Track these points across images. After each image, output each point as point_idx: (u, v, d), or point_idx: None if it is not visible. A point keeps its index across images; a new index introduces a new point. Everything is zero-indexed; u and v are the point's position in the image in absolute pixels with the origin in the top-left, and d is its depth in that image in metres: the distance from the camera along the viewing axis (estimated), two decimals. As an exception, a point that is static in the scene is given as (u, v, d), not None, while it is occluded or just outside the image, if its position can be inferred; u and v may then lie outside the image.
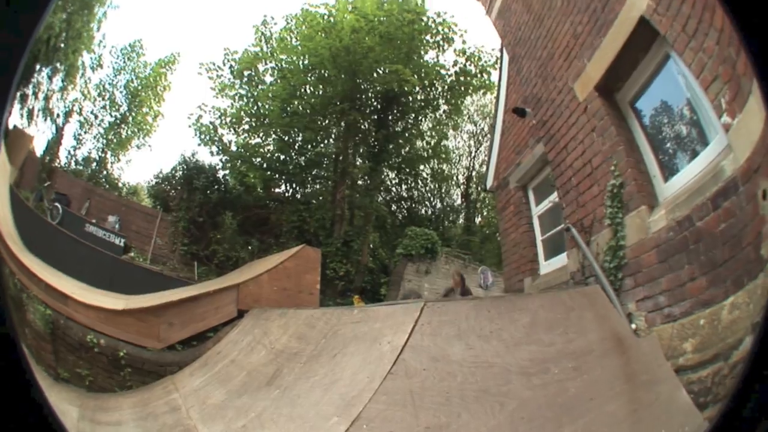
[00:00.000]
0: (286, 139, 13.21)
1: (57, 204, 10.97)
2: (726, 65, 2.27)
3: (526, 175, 5.93)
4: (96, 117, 15.04)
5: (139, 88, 15.52)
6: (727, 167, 2.22)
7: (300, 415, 2.75)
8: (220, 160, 13.53)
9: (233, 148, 13.60)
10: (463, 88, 13.05)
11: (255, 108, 13.39)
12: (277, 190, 13.48)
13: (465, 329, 2.83)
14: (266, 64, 13.40)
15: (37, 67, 12.71)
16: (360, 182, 12.93)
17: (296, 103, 12.67)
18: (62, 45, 12.92)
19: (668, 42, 2.87)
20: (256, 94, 13.31)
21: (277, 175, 13.36)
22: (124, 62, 15.47)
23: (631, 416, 2.13)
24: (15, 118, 12.35)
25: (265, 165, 13.35)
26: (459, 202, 14.28)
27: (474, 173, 14.66)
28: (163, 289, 8.73)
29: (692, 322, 2.36)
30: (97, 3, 14.17)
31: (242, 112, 13.51)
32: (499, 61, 7.55)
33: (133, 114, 15.47)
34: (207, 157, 15.12)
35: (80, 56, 14.04)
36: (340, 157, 12.79)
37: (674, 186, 2.94)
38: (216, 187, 12.61)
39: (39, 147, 14.45)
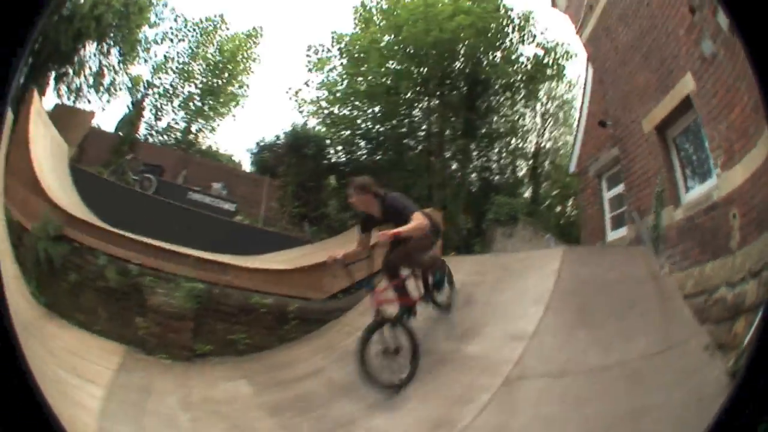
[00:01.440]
0: (386, 112, 14.64)
1: (148, 175, 11.10)
2: (727, 143, 4.41)
3: (602, 168, 8.11)
4: (175, 89, 14.91)
5: (223, 60, 15.46)
6: (714, 195, 4.50)
7: (508, 311, 4.81)
8: (326, 130, 14.85)
9: (336, 120, 14.84)
10: (539, 76, 14.55)
11: (359, 83, 14.68)
12: (377, 158, 14.76)
13: (586, 262, 5.32)
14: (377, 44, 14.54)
15: (86, 44, 12.43)
16: (448, 154, 14.78)
17: (401, 82, 14.17)
18: (123, 21, 12.79)
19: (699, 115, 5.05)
20: (357, 71, 14.53)
21: (376, 144, 14.85)
22: (201, 36, 15.18)
23: (661, 310, 4.32)
24: (51, 99, 11.96)
25: (365, 135, 14.81)
26: (525, 173, 16.02)
27: (541, 149, 16.23)
28: (283, 248, 9.54)
29: (691, 272, 4.59)
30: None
31: (349, 88, 14.83)
32: (585, 72, 9.43)
33: (218, 85, 15.46)
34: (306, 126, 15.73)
35: (141, 31, 13.77)
36: (434, 130, 14.50)
37: (690, 196, 5.23)
38: (325, 154, 13.95)
39: (108, 123, 14.54)
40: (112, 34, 12.94)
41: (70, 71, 12.62)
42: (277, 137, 14.58)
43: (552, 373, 3.70)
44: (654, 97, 6.01)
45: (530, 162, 15.38)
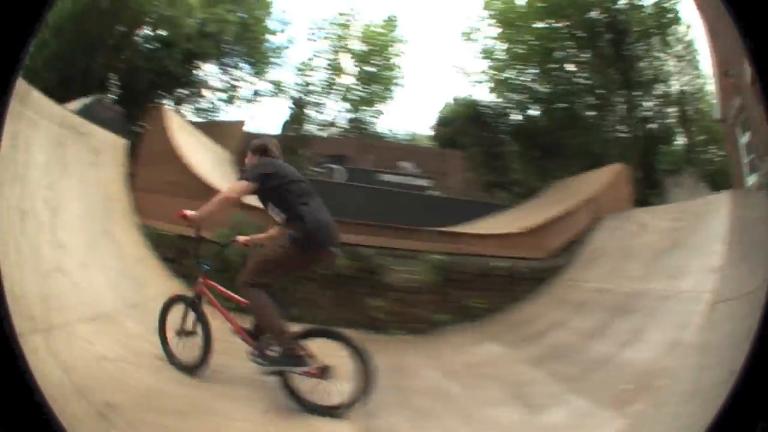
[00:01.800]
0: (547, 71, 14.92)
1: (333, 165, 11.54)
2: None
3: (734, 116, 8.50)
4: (331, 83, 15.07)
5: (372, 48, 15.52)
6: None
7: (703, 250, 5.34)
8: (498, 97, 15.22)
9: (505, 85, 15.08)
10: (665, 21, 14.23)
11: (517, 46, 15.07)
12: (550, 117, 14.80)
13: (744, 204, 5.78)
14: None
15: (201, 63, 12.84)
16: (612, 106, 14.62)
17: (554, 42, 14.62)
18: (246, 33, 13.04)
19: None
20: (512, 35, 15.00)
21: (546, 104, 15.03)
22: (342, 30, 15.41)
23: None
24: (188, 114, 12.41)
25: (534, 96, 15.07)
26: (676, 120, 15.32)
27: (684, 94, 15.34)
28: (483, 216, 9.74)
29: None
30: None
31: (509, 52, 15.22)
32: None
33: (373, 73, 15.53)
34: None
35: (266, 39, 14.15)
36: (594, 83, 14.62)
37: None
38: (502, 121, 14.30)
39: (267, 126, 16.09)
40: (234, 49, 13.30)
41: (191, 91, 13.22)
42: (452, 110, 15.46)
43: (729, 298, 4.48)
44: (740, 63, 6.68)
45: (678, 108, 14.76)
